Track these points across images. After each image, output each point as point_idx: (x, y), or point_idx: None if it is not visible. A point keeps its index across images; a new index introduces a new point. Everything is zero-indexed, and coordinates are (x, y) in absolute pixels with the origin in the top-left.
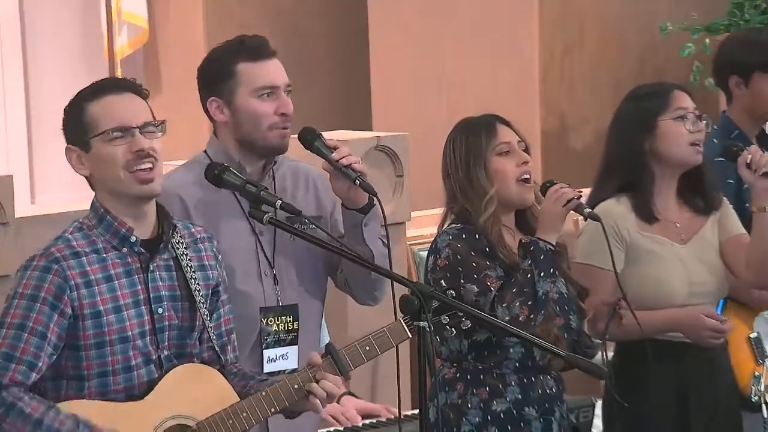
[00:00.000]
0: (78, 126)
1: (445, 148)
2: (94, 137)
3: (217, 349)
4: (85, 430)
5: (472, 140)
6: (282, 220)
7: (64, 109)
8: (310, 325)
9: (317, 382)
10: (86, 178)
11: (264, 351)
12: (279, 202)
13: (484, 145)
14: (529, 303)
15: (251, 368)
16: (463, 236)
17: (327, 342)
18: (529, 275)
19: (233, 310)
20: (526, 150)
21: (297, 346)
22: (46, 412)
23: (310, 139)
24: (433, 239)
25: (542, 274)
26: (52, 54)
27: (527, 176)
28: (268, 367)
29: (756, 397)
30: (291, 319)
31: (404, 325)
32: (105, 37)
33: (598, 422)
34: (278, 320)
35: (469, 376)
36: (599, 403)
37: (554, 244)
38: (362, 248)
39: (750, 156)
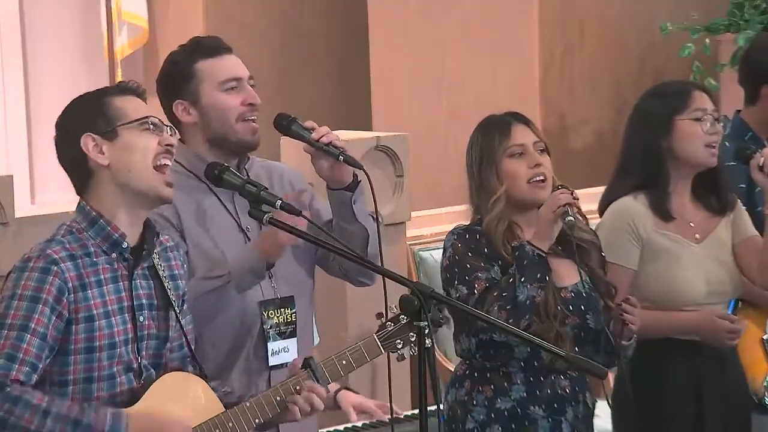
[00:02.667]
0: (101, 114)
1: (467, 146)
2: (124, 125)
3: (195, 356)
4: (91, 411)
5: (485, 141)
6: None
7: (73, 103)
8: (304, 318)
9: (299, 393)
10: (87, 174)
11: (268, 344)
12: (279, 202)
13: (496, 147)
14: (509, 308)
15: (257, 363)
16: (466, 236)
17: (317, 343)
18: (511, 280)
19: (210, 303)
20: (546, 149)
21: (296, 339)
22: (51, 401)
23: (286, 124)
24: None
25: (523, 279)
26: (52, 54)
27: (539, 178)
28: (272, 360)
29: None
30: (289, 310)
31: (378, 341)
32: (105, 37)
33: (598, 422)
34: (278, 312)
35: (476, 374)
36: (599, 403)
37: (545, 249)
38: (354, 227)
39: (763, 159)
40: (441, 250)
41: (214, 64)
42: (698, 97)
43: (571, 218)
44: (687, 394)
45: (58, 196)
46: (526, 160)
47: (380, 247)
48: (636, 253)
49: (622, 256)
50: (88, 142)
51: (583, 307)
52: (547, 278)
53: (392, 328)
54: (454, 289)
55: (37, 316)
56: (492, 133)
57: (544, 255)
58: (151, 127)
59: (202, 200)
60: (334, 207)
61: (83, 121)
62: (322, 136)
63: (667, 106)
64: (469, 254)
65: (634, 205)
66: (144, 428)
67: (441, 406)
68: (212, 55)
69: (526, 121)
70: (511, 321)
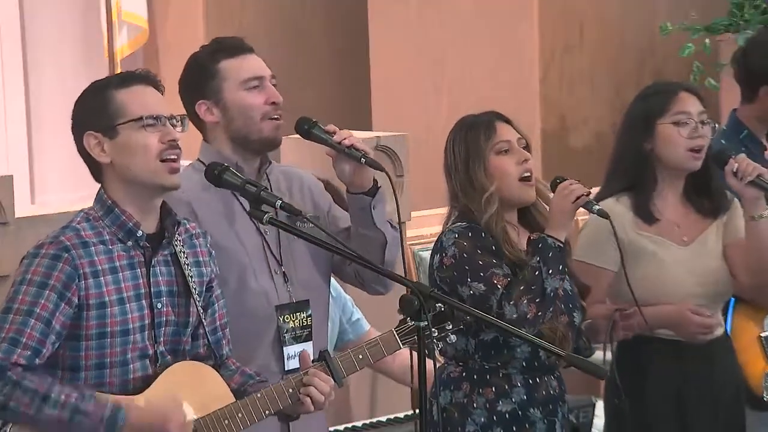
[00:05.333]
0: (102, 111)
1: (446, 146)
2: (123, 123)
3: (211, 345)
4: (91, 399)
5: (471, 139)
6: (283, 220)
7: (82, 95)
8: (320, 321)
9: (307, 385)
10: (98, 166)
11: (284, 348)
12: (279, 202)
13: (483, 144)
14: (537, 300)
15: (272, 367)
16: (470, 234)
17: (333, 344)
18: (537, 272)
19: (227, 305)
20: (527, 147)
21: (312, 342)
22: (51, 387)
23: (307, 128)
24: (437, 237)
25: (551, 271)
26: (52, 54)
27: (528, 174)
28: (289, 365)
29: (767, 396)
30: (305, 315)
31: (396, 336)
32: (105, 37)
33: (598, 422)
34: (293, 317)
35: (475, 376)
36: (599, 403)
37: (563, 240)
38: (373, 232)
39: (736, 165)
40: None
41: (236, 63)
42: (682, 100)
43: (598, 206)
44: (669, 395)
45: (58, 196)
46: (513, 157)
47: (403, 254)
48: (617, 256)
49: (602, 258)
50: (90, 141)
51: (571, 305)
52: (567, 270)
53: (413, 323)
54: (466, 287)
55: (43, 302)
56: (477, 130)
57: (562, 246)
58: (152, 122)
59: (223, 200)
60: (353, 212)
61: (86, 118)
62: (344, 139)
63: (648, 109)
64: (479, 251)
65: (614, 207)
66: (143, 420)
67: (433, 407)
68: (234, 55)
69: (507, 120)
70: (539, 314)
